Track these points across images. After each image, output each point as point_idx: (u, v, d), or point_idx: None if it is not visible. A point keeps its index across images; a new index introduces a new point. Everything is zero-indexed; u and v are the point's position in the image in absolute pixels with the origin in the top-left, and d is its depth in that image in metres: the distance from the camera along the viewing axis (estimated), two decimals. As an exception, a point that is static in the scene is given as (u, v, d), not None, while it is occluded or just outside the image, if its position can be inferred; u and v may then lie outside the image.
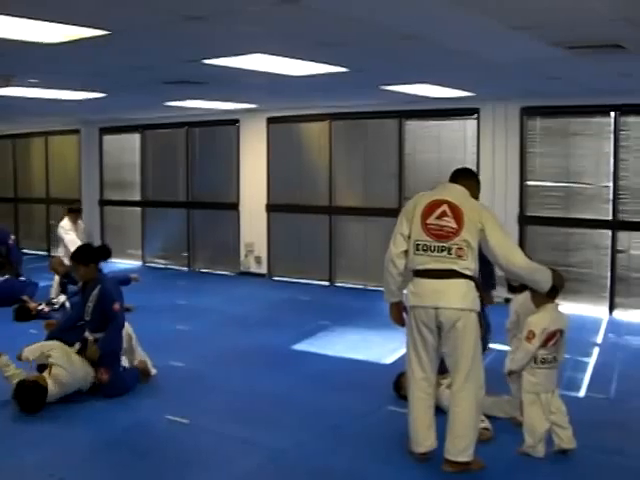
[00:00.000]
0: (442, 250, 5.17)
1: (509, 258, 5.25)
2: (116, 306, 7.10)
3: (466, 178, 5.65)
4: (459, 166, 5.97)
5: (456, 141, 11.59)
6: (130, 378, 7.32)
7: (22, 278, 11.60)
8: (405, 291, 5.46)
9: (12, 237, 12.16)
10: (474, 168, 11.02)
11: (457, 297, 5.17)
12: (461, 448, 5.21)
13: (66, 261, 10.62)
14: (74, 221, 11.55)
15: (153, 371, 7.57)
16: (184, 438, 6.09)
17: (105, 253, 7.52)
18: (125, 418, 6.56)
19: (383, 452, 5.69)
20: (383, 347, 8.52)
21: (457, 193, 5.42)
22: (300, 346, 8.85)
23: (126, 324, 7.34)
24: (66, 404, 6.89)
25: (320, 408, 6.74)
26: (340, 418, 6.47)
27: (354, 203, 12.67)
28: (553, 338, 5.59)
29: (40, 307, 10.50)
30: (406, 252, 5.33)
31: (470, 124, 11.36)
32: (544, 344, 5.56)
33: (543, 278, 5.40)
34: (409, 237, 5.31)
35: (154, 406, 6.83)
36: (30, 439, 6.13)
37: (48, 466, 5.62)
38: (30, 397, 6.56)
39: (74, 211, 11.71)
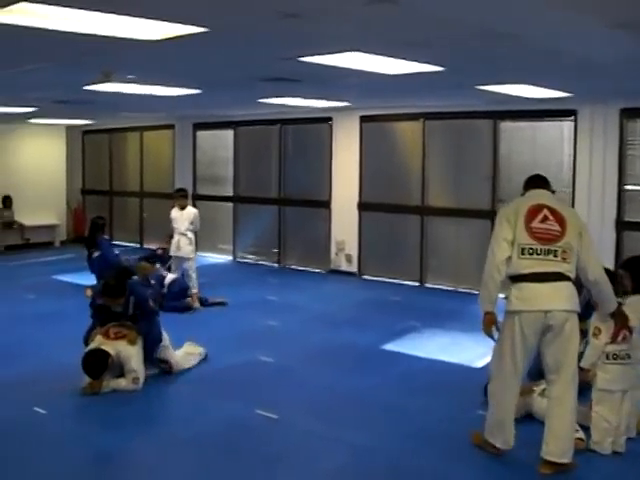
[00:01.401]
0: (548, 253, 5.25)
1: (598, 270, 5.42)
2: (150, 304, 7.51)
3: (547, 185, 5.71)
4: (535, 173, 6.03)
5: (552, 143, 11.35)
6: None
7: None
8: (502, 295, 5.45)
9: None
10: (570, 171, 10.86)
11: (565, 299, 5.26)
12: (566, 449, 5.28)
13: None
14: (181, 207, 11.62)
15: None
16: (273, 433, 6.17)
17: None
18: (216, 411, 6.67)
19: (469, 455, 5.66)
20: (474, 350, 8.39)
21: (552, 198, 5.57)
22: (389, 346, 8.79)
23: None
24: (158, 395, 7.11)
25: (407, 409, 6.71)
26: (427, 420, 6.44)
27: (446, 204, 12.52)
28: (620, 333, 5.68)
29: None
30: (508, 258, 5.33)
31: (567, 126, 11.10)
32: (613, 339, 5.67)
33: (613, 298, 5.58)
34: (513, 242, 5.32)
35: (245, 400, 6.90)
36: (126, 426, 6.32)
37: (140, 452, 5.82)
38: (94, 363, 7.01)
39: (177, 197, 11.79)
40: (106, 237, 12.56)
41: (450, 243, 12.52)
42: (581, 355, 5.94)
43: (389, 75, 7.88)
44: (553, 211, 5.36)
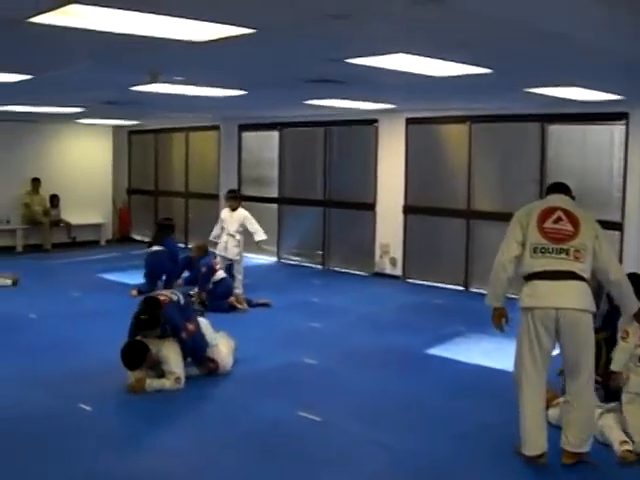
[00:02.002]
0: (560, 252, 5.35)
1: (619, 271, 5.58)
2: (182, 335, 7.38)
3: (568, 191, 5.83)
4: (558, 180, 6.29)
5: (602, 147, 11.15)
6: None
7: None
8: (509, 294, 5.73)
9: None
10: (621, 176, 10.69)
11: (577, 298, 5.32)
12: (585, 438, 5.41)
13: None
14: (232, 208, 11.61)
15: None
16: (315, 435, 6.17)
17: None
18: (259, 411, 6.67)
19: (513, 464, 5.58)
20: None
21: (568, 201, 5.69)
22: (433, 350, 8.73)
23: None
24: (201, 394, 7.16)
25: (452, 414, 6.66)
26: (472, 426, 6.39)
27: (493, 208, 12.33)
28: None
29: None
30: (517, 258, 5.53)
31: (618, 129, 10.90)
32: None
33: (634, 299, 5.62)
34: (523, 243, 5.50)
35: (287, 401, 6.90)
36: (169, 425, 6.42)
37: (183, 452, 5.83)
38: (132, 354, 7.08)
39: (227, 198, 11.79)
40: (174, 238, 12.70)
41: (496, 247, 12.27)
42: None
43: (436, 77, 7.81)
44: (568, 213, 5.48)
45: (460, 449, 5.88)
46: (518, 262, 5.53)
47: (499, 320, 5.72)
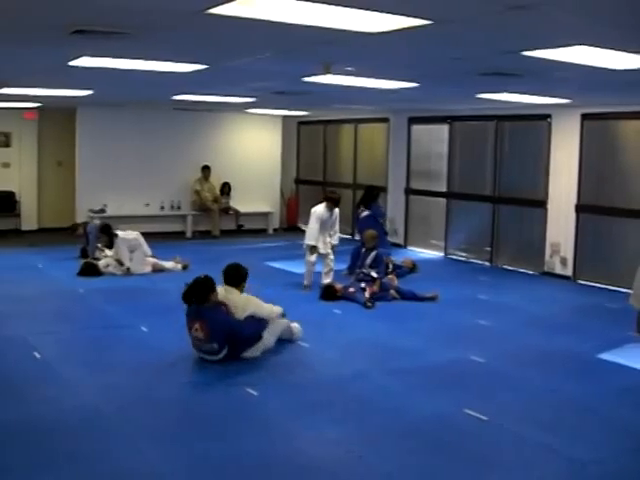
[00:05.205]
0: None
1: None
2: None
3: None
4: None
5: None
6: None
7: None
8: None
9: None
10: None
11: None
12: None
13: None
14: (330, 208, 11.68)
15: None
16: (481, 435, 6.05)
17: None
18: (424, 407, 6.63)
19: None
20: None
21: None
22: (606, 356, 8.37)
23: None
24: (366, 386, 7.16)
25: (627, 425, 6.36)
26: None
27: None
28: None
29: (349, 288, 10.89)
30: None
31: None
32: None
33: None
34: None
35: (453, 398, 6.82)
36: (332, 414, 6.44)
37: (347, 442, 5.82)
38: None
39: (329, 200, 11.82)
40: (381, 206, 14.37)
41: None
42: None
43: (618, 71, 7.50)
44: None
45: (635, 464, 5.60)
46: None
47: None
